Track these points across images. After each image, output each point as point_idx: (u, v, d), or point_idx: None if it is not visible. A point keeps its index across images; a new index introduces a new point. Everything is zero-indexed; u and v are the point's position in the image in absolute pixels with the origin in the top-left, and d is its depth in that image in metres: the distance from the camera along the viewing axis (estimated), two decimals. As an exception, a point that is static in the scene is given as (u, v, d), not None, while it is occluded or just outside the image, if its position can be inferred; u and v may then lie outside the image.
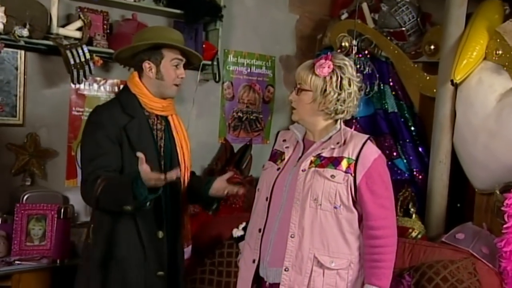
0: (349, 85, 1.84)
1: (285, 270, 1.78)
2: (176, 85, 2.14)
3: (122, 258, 2.01)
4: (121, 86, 3.26)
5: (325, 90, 1.82)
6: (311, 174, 1.81)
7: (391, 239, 1.82)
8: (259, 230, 1.87)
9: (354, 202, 1.81)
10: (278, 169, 1.91)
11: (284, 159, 1.92)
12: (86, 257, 2.09)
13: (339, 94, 1.83)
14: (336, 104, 1.84)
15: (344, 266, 1.80)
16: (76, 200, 2.96)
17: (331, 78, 1.82)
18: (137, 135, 2.04)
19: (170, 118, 2.18)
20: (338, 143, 1.84)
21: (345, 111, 1.87)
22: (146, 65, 2.10)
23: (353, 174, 1.79)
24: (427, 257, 2.51)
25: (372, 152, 1.84)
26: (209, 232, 2.88)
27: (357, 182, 1.79)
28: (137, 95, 2.11)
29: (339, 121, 1.90)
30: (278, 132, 2.09)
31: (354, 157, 1.80)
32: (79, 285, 2.09)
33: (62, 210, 2.62)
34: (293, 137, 1.97)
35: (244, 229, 2.05)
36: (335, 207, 1.78)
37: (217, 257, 2.69)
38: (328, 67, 1.82)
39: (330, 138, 1.87)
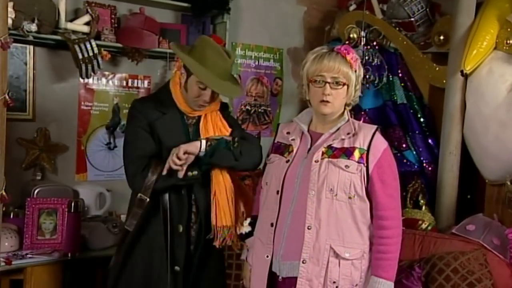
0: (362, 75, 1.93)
1: (302, 262, 1.78)
2: (197, 103, 2.09)
3: (147, 244, 2.07)
4: (130, 81, 3.30)
5: (356, 84, 1.88)
6: (325, 164, 1.81)
7: (397, 230, 1.84)
8: (271, 225, 1.86)
9: (367, 192, 1.82)
10: (287, 161, 1.89)
11: (292, 151, 1.91)
12: (121, 241, 2.14)
13: (360, 87, 1.91)
14: (358, 97, 1.93)
15: (358, 256, 1.81)
16: (86, 194, 2.99)
17: (358, 72, 1.88)
18: (165, 132, 2.07)
19: (203, 116, 2.15)
20: (348, 133, 1.85)
21: (352, 102, 1.94)
22: (180, 70, 2.12)
23: (365, 164, 1.80)
24: (438, 248, 2.50)
25: (382, 142, 1.86)
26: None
27: (370, 171, 1.80)
28: (173, 94, 2.13)
29: (346, 112, 1.91)
30: (278, 125, 2.10)
31: (365, 147, 1.82)
32: (113, 266, 2.13)
33: (73, 204, 2.63)
34: (297, 129, 1.96)
35: (251, 224, 2.03)
36: (349, 197, 1.79)
37: (226, 250, 2.70)
38: (358, 61, 1.87)
39: (339, 129, 1.88)
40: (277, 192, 1.87)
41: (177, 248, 2.06)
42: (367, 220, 1.83)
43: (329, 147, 1.84)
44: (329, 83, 1.83)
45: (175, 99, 2.12)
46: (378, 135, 1.86)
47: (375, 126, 1.89)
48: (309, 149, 1.89)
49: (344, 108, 1.91)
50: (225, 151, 2.04)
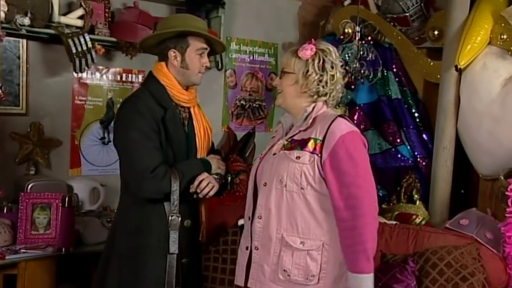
0: (332, 68, 1.87)
1: (255, 249, 1.84)
2: (200, 72, 2.13)
3: (152, 246, 2.02)
4: (124, 75, 3.29)
5: (307, 71, 1.85)
6: (279, 157, 1.85)
7: (362, 220, 1.72)
8: (249, 218, 1.92)
9: (325, 182, 1.79)
10: (260, 158, 1.96)
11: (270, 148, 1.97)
12: (111, 246, 2.10)
13: (321, 75, 1.85)
14: (318, 85, 1.86)
15: (315, 247, 1.78)
16: (80, 188, 2.97)
17: (313, 60, 1.85)
18: (173, 127, 2.05)
19: (191, 108, 2.17)
20: (306, 125, 1.85)
21: (328, 94, 1.88)
22: (172, 53, 2.08)
23: (319, 154, 1.78)
24: (431, 243, 2.51)
25: (340, 129, 1.78)
26: (213, 220, 2.88)
27: (322, 160, 1.77)
28: (167, 86, 2.09)
29: (313, 105, 1.88)
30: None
31: (321, 137, 1.80)
32: (103, 271, 2.10)
33: (67, 199, 2.62)
34: (281, 128, 2.00)
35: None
36: (302, 188, 1.78)
37: (222, 244, 2.70)
38: (311, 50, 1.85)
39: (304, 121, 1.87)
40: (252, 187, 1.93)
41: (184, 241, 2.07)
42: (328, 211, 1.79)
43: (290, 139, 1.87)
44: (279, 75, 1.94)
45: (170, 90, 2.09)
46: (336, 123, 1.79)
47: (336, 114, 1.85)
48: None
49: (314, 102, 1.88)
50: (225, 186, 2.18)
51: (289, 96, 1.90)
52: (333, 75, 1.87)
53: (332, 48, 1.90)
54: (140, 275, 2.01)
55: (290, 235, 1.79)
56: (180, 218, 1.98)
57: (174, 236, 1.97)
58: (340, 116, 1.85)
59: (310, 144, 1.80)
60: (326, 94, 1.88)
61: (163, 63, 2.11)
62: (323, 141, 1.78)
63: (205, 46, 2.12)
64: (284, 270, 1.79)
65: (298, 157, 1.80)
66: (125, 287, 2.03)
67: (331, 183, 1.76)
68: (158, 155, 1.99)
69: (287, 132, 1.95)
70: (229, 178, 2.19)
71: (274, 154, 1.87)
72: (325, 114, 1.87)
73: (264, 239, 1.82)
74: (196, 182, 2.02)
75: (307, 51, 1.84)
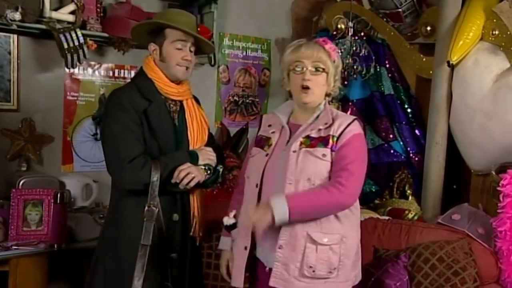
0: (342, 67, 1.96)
1: (279, 248, 1.81)
2: (181, 66, 2.09)
3: (134, 239, 1.99)
4: (116, 71, 3.27)
5: (335, 74, 1.90)
6: (302, 154, 1.82)
7: (336, 196, 1.76)
8: None
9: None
10: (267, 155, 1.92)
11: (271, 144, 1.94)
12: (101, 238, 2.14)
13: (339, 79, 1.94)
14: (339, 88, 1.95)
15: (337, 241, 1.82)
16: (72, 185, 2.96)
17: (337, 63, 1.91)
18: (157, 119, 2.04)
19: (184, 102, 2.16)
20: (326, 123, 1.87)
21: (334, 94, 1.98)
22: (151, 47, 2.10)
23: (334, 150, 1.83)
24: (424, 238, 2.52)
25: (354, 129, 1.86)
26: (206, 216, 2.89)
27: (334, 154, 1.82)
28: (154, 79, 2.09)
29: (324, 102, 1.92)
30: (261, 116, 2.11)
31: (337, 135, 1.84)
32: (94, 265, 2.11)
33: (59, 195, 2.61)
34: (278, 122, 1.98)
35: (235, 216, 2.05)
36: None
37: (215, 240, 2.69)
38: (337, 52, 1.91)
39: (317, 118, 1.89)
40: (256, 185, 1.90)
41: (173, 236, 2.07)
42: None
43: (307, 137, 1.86)
44: (308, 69, 1.86)
45: (158, 84, 2.09)
46: (353, 125, 1.86)
47: (353, 117, 1.91)
48: (288, 141, 1.90)
49: (325, 99, 1.94)
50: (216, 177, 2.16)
51: (319, 95, 1.90)
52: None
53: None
54: (124, 269, 1.99)
55: (315, 232, 1.80)
56: (157, 210, 1.93)
57: (147, 227, 1.92)
58: (355, 119, 1.90)
59: (331, 142, 1.83)
60: (334, 93, 1.96)
61: (150, 57, 2.13)
62: (338, 138, 1.83)
63: (182, 38, 2.09)
64: (310, 267, 1.79)
65: (324, 155, 1.81)
66: (111, 279, 2.04)
67: (334, 166, 1.80)
68: (138, 147, 1.98)
69: (290, 127, 1.93)
70: (220, 170, 2.16)
71: (295, 151, 1.83)
72: (338, 113, 1.92)
73: (291, 237, 1.80)
74: (176, 173, 1.99)
75: (336, 53, 1.90)
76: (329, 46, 1.88)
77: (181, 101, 2.15)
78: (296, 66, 1.87)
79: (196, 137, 2.16)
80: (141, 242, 1.92)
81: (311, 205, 1.77)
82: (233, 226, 2.01)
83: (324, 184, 1.80)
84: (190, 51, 2.11)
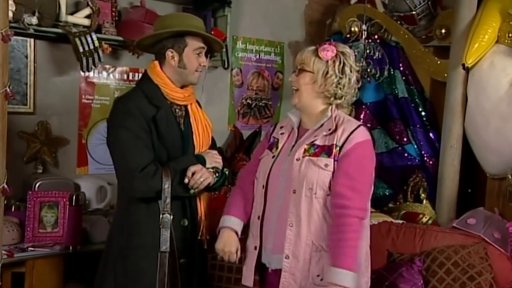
0: (350, 71, 1.89)
1: (285, 258, 1.82)
2: (197, 71, 2.12)
3: (145, 246, 2.00)
4: (130, 74, 3.29)
5: (327, 72, 1.86)
6: (305, 163, 1.82)
7: (354, 220, 1.76)
8: (258, 218, 1.92)
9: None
10: (273, 157, 1.94)
11: (278, 147, 1.95)
12: (109, 245, 2.13)
13: (340, 78, 1.87)
14: (336, 87, 1.87)
15: None
16: (87, 187, 2.98)
17: (334, 62, 1.87)
18: (165, 126, 2.04)
19: (189, 106, 2.17)
20: (330, 129, 1.85)
21: (343, 97, 1.90)
22: (169, 53, 2.07)
23: (336, 159, 1.81)
24: (438, 242, 2.50)
25: (358, 137, 1.82)
26: (217, 219, 2.89)
27: (336, 163, 1.81)
28: (160, 85, 2.08)
29: (331, 107, 1.90)
30: (276, 124, 2.13)
31: (340, 144, 1.82)
32: (103, 272, 2.11)
33: (74, 197, 2.63)
34: (289, 124, 1.99)
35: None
36: (328, 195, 1.80)
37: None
38: (332, 52, 1.86)
39: (322, 125, 1.88)
40: (263, 186, 1.92)
41: (183, 241, 2.07)
42: None
43: (311, 144, 1.86)
44: (294, 71, 1.93)
45: (164, 89, 2.08)
46: (357, 132, 1.83)
47: (358, 123, 1.88)
48: (293, 146, 1.91)
49: (330, 105, 1.90)
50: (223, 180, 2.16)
51: (306, 95, 1.90)
52: (350, 79, 1.88)
53: (350, 51, 1.92)
54: (135, 276, 2.00)
55: (319, 241, 1.81)
56: (172, 216, 1.94)
57: (165, 234, 1.93)
58: (361, 124, 1.89)
59: (334, 151, 1.82)
60: (341, 97, 1.90)
61: (156, 62, 2.11)
62: (341, 147, 1.81)
63: (202, 45, 2.11)
64: (317, 275, 1.80)
65: (326, 165, 1.80)
66: (121, 286, 2.03)
67: (338, 183, 1.78)
68: (148, 154, 1.98)
69: (299, 131, 1.94)
70: (227, 172, 2.15)
71: (298, 159, 1.84)
72: (344, 119, 1.89)
73: (296, 247, 1.81)
74: (189, 173, 1.99)
75: (329, 52, 1.86)
76: (323, 47, 1.87)
77: (185, 106, 2.16)
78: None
79: (201, 141, 2.16)
80: (161, 250, 1.93)
81: (353, 248, 1.75)
82: None
83: (326, 196, 1.79)
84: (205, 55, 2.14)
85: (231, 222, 2.00)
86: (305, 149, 1.85)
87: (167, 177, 1.95)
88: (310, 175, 1.80)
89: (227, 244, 1.97)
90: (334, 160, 1.81)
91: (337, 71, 1.86)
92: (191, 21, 2.11)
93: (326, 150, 1.82)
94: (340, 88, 1.87)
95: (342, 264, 1.73)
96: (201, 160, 2.08)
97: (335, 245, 1.77)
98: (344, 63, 1.87)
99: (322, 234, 1.81)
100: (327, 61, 1.86)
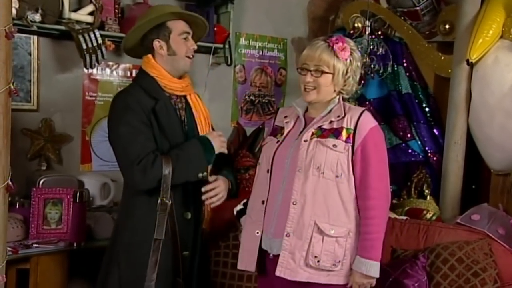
0: (360, 68, 1.96)
1: (286, 236, 1.84)
2: (189, 57, 2.14)
3: (149, 241, 2.00)
4: (134, 71, 3.29)
5: (346, 72, 1.90)
6: (313, 143, 1.86)
7: (381, 211, 1.86)
8: (262, 202, 1.92)
9: (353, 171, 1.86)
10: (278, 141, 1.96)
11: (283, 133, 1.97)
12: (113, 241, 2.14)
13: (355, 77, 1.93)
14: (352, 86, 1.94)
15: (343, 235, 1.85)
16: (91, 184, 2.99)
17: (350, 62, 1.90)
18: (165, 117, 2.05)
19: (188, 97, 2.19)
20: (338, 116, 1.89)
21: (351, 92, 1.99)
22: (156, 43, 2.10)
23: (352, 143, 1.85)
24: (442, 238, 2.50)
25: (369, 121, 1.90)
26: (223, 215, 2.89)
27: (354, 149, 1.85)
28: (156, 77, 2.10)
29: (338, 97, 1.95)
30: (278, 109, 2.16)
31: (352, 127, 1.86)
32: (107, 267, 2.12)
33: (78, 194, 2.64)
34: (294, 113, 2.01)
35: (245, 204, 2.09)
36: (336, 176, 1.83)
37: (232, 240, 2.70)
38: (348, 51, 1.89)
39: (329, 112, 1.92)
40: (267, 171, 1.93)
41: (186, 234, 2.08)
42: (353, 200, 1.87)
43: (319, 128, 1.89)
44: (311, 71, 1.90)
45: (161, 81, 2.10)
46: (365, 115, 1.89)
47: (363, 108, 1.95)
48: (301, 132, 1.93)
49: (338, 95, 1.96)
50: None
51: (324, 94, 1.92)
52: (359, 74, 1.96)
53: (355, 46, 1.95)
54: (139, 271, 2.00)
55: (322, 222, 1.83)
56: (170, 202, 1.94)
57: (160, 220, 1.93)
58: (365, 109, 1.94)
59: (344, 133, 1.85)
60: (350, 92, 1.97)
61: (149, 56, 2.13)
62: (354, 130, 1.85)
63: (187, 29, 2.13)
64: (315, 257, 1.82)
65: (334, 145, 1.84)
66: (126, 281, 2.05)
67: (361, 172, 1.84)
68: (148, 146, 1.98)
69: (305, 119, 1.96)
70: (234, 188, 2.20)
71: (306, 141, 1.86)
72: (350, 107, 1.95)
73: (298, 225, 1.83)
74: (210, 187, 2.04)
75: (347, 52, 1.88)
76: (339, 45, 1.88)
77: (185, 97, 2.17)
78: (301, 67, 1.93)
79: (204, 131, 2.18)
80: (154, 237, 1.94)
81: (379, 240, 1.86)
82: (241, 212, 2.04)
83: (336, 175, 1.84)
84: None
85: None
86: (312, 132, 1.88)
87: (168, 164, 1.94)
88: (318, 155, 1.83)
89: None
90: (346, 142, 1.84)
91: (354, 69, 1.92)
92: (167, 7, 2.15)
93: (334, 132, 1.86)
94: (354, 86, 1.95)
95: (370, 255, 1.83)
96: (207, 145, 2.07)
97: (362, 237, 1.85)
98: (356, 61, 1.92)
99: (326, 216, 1.83)
100: (345, 61, 1.89)
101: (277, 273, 1.84)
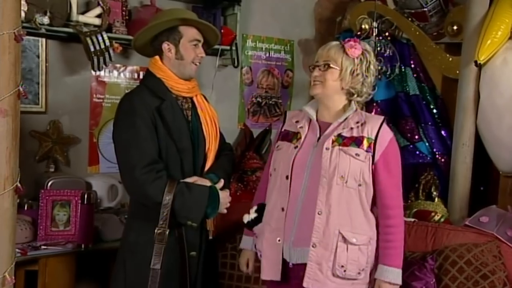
0: (373, 70, 1.94)
1: (312, 247, 1.83)
2: (195, 64, 2.15)
3: (154, 241, 2.00)
4: (141, 73, 3.30)
5: (355, 71, 1.89)
6: (336, 152, 1.85)
7: (401, 219, 1.90)
8: (282, 209, 1.89)
9: (373, 181, 1.87)
10: (296, 147, 1.93)
11: (300, 138, 1.95)
12: (122, 242, 2.17)
13: (366, 77, 1.91)
14: (362, 85, 1.92)
15: (365, 242, 1.86)
16: (98, 186, 3.00)
17: (360, 60, 1.90)
18: (171, 116, 2.05)
19: (194, 98, 2.19)
20: (357, 122, 1.89)
21: (364, 95, 1.95)
22: (165, 46, 2.11)
23: (372, 153, 1.85)
24: (451, 240, 2.48)
25: (388, 132, 1.92)
26: (230, 217, 2.89)
27: (375, 160, 1.86)
28: (163, 78, 2.11)
29: (353, 102, 1.95)
30: (285, 112, 2.15)
31: (373, 137, 1.86)
32: (116, 268, 2.15)
33: (86, 196, 2.64)
34: (305, 117, 1.99)
35: (257, 211, 2.04)
36: (359, 185, 1.84)
37: (238, 241, 2.70)
38: (359, 49, 1.89)
39: (346, 118, 1.91)
40: (287, 177, 1.90)
41: (192, 236, 2.09)
42: (370, 208, 1.89)
43: (339, 135, 1.88)
44: (319, 66, 1.91)
45: (168, 82, 2.10)
46: (385, 126, 1.91)
47: (382, 117, 1.95)
48: (319, 138, 1.92)
49: (350, 100, 1.94)
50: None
51: (330, 89, 1.91)
52: (373, 78, 1.95)
53: (371, 50, 1.96)
54: (143, 271, 2.01)
55: (346, 231, 1.83)
56: (168, 232, 1.93)
57: (157, 250, 1.92)
58: (384, 118, 1.95)
59: (365, 143, 1.86)
60: (363, 95, 1.94)
61: (157, 57, 2.14)
62: (375, 140, 1.86)
63: (198, 37, 2.14)
64: (342, 266, 1.82)
65: (357, 154, 1.84)
66: (130, 282, 2.07)
67: (383, 182, 1.87)
68: (149, 152, 1.97)
69: (318, 123, 1.95)
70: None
71: (328, 149, 1.85)
72: (367, 114, 1.95)
73: (324, 235, 1.83)
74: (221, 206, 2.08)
75: (357, 50, 1.88)
76: (350, 44, 1.89)
77: (191, 98, 2.17)
78: (312, 65, 1.96)
79: (210, 132, 2.18)
80: (151, 266, 1.93)
81: (400, 248, 1.90)
82: (255, 221, 2.01)
83: (359, 185, 1.85)
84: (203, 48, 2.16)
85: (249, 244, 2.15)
86: (333, 140, 1.87)
87: (170, 193, 1.93)
88: (342, 164, 1.83)
89: None
90: (367, 152, 1.85)
91: (364, 69, 1.90)
92: (182, 12, 2.17)
93: (355, 141, 1.86)
94: (365, 87, 1.93)
95: (393, 263, 1.86)
96: (215, 198, 2.05)
97: (384, 245, 1.88)
98: (370, 62, 1.92)
99: (349, 225, 1.83)
100: (354, 59, 1.89)
101: (305, 284, 1.83)
